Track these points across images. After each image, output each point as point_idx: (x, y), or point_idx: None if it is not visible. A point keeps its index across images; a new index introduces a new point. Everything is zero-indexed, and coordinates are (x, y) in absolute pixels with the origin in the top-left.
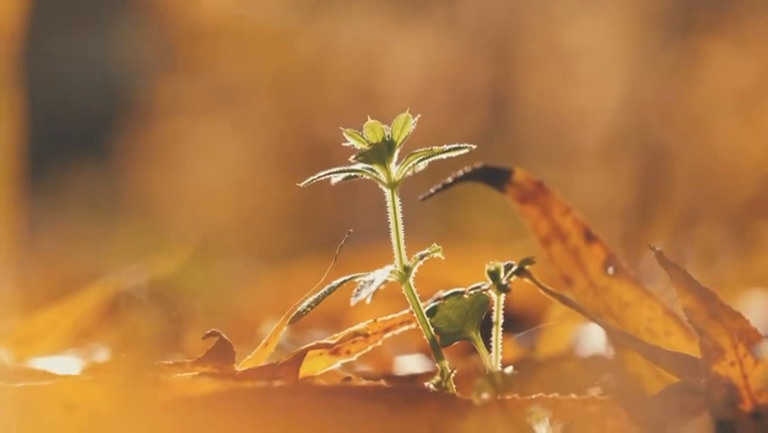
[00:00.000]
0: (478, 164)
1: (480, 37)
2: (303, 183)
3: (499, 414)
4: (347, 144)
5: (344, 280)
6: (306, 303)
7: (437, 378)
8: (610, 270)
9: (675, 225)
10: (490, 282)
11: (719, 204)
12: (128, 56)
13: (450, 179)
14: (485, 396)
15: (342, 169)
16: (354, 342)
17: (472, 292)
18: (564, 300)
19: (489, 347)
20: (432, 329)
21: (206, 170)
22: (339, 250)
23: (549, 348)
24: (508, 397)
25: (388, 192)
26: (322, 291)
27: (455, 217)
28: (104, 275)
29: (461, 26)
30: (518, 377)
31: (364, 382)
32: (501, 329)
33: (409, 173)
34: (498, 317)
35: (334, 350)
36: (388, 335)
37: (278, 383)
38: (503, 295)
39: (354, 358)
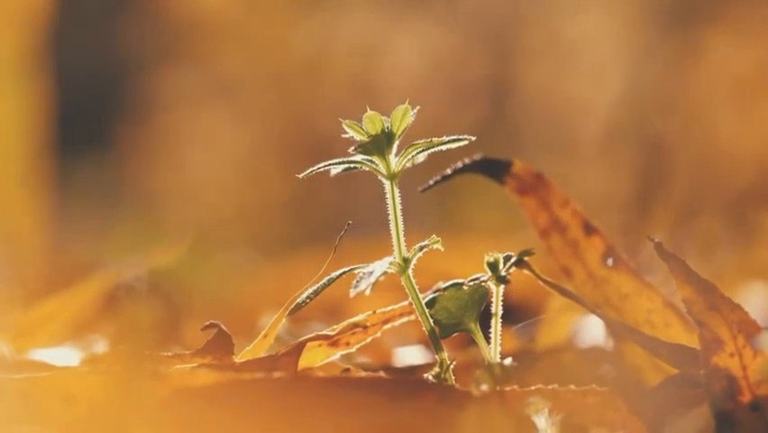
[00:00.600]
0: (477, 156)
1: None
2: (302, 174)
3: (498, 405)
4: (347, 136)
5: (344, 272)
6: (305, 294)
7: (436, 369)
8: (609, 261)
9: (674, 217)
10: (489, 274)
11: (719, 195)
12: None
13: (449, 171)
14: (484, 387)
15: (341, 160)
16: (353, 333)
17: (471, 284)
18: (563, 292)
19: (488, 339)
20: (431, 321)
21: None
22: (338, 241)
23: (548, 340)
24: (507, 388)
25: (387, 184)
26: (321, 283)
27: (454, 209)
28: (103, 267)
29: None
30: (517, 368)
31: (363, 374)
32: (500, 321)
33: (408, 165)
34: (497, 308)
35: (333, 341)
36: (387, 326)
37: (277, 375)
38: (502, 286)
39: (353, 349)
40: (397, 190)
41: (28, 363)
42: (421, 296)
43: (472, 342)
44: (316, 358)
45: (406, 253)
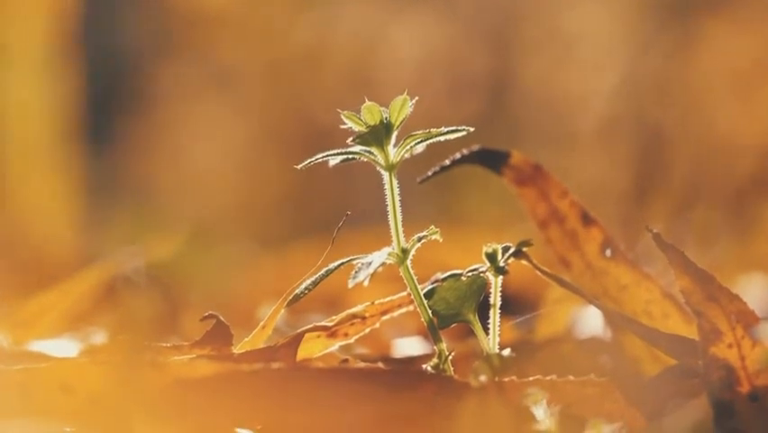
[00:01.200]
0: (475, 147)
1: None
2: (301, 165)
3: (497, 396)
4: (345, 127)
5: (342, 263)
6: (303, 286)
7: (435, 360)
8: (608, 252)
9: (673, 208)
10: (488, 265)
11: (717, 186)
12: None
13: (447, 162)
14: (483, 378)
15: (339, 151)
16: (352, 324)
17: (470, 275)
18: (562, 283)
19: (486, 330)
20: (429, 312)
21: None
22: (337, 232)
23: (547, 331)
24: (506, 379)
25: (385, 174)
26: (319, 274)
27: (453, 200)
28: (101, 258)
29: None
30: (516, 359)
31: (362, 365)
32: (499, 312)
33: (407, 156)
34: (495, 299)
35: (332, 332)
36: (385, 317)
37: (275, 366)
38: (501, 277)
39: (352, 341)
40: (395, 181)
41: (26, 355)
42: (419, 287)
43: (471, 333)
44: (315, 349)
45: (404, 244)
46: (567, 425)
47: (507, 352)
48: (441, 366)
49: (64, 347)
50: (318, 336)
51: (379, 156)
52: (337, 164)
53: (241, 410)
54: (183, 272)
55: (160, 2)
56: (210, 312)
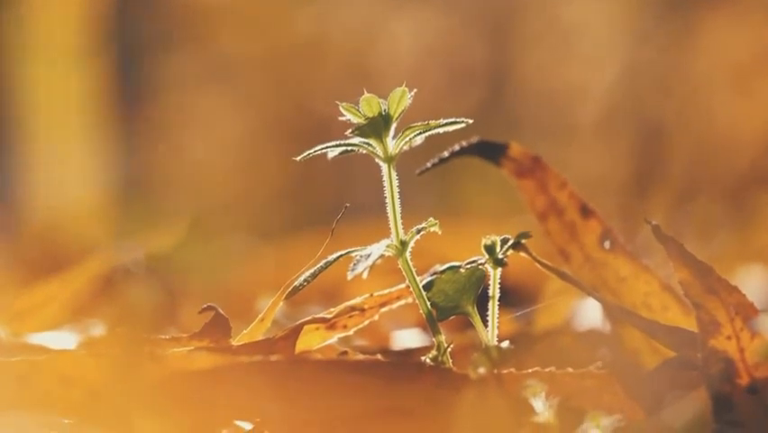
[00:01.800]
0: (474, 139)
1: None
2: (299, 157)
3: (496, 388)
4: (344, 119)
5: (341, 255)
6: (302, 278)
7: (434, 352)
8: (607, 244)
9: (672, 200)
10: (487, 257)
11: (716, 178)
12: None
13: (446, 154)
14: (482, 370)
15: (338, 143)
16: (351, 316)
17: (469, 267)
18: (561, 275)
19: (485, 322)
20: (428, 304)
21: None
22: (335, 224)
23: (546, 322)
24: (505, 371)
25: (384, 166)
26: (318, 266)
27: (452, 192)
28: (100, 250)
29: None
30: (515, 351)
31: (361, 357)
32: (498, 304)
33: (406, 147)
34: (494, 291)
35: (331, 325)
36: (384, 309)
37: (274, 358)
38: (499, 269)
39: (351, 333)
40: (394, 173)
41: (25, 347)
42: (418, 279)
43: (470, 325)
44: (314, 341)
45: (403, 236)
46: (566, 417)
47: (505, 344)
48: (440, 358)
49: (63, 339)
50: (317, 329)
51: (377, 148)
52: (336, 156)
53: (239, 403)
54: (182, 265)
55: None
56: (208, 304)
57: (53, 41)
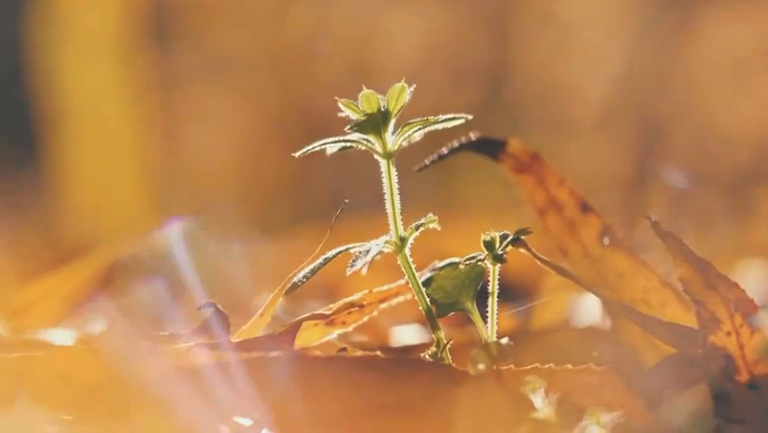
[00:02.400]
0: (473, 135)
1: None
2: (298, 153)
3: (495, 384)
4: (343, 115)
5: (340, 251)
6: (301, 274)
7: (433, 349)
8: (606, 240)
9: (671, 196)
10: (486, 253)
11: (716, 174)
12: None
13: (445, 150)
14: (481, 366)
15: (337, 139)
16: (350, 313)
17: (468, 263)
18: (560, 271)
19: (484, 318)
20: (427, 300)
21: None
22: (335, 220)
23: (545, 319)
24: (504, 367)
25: (383, 162)
26: (317, 262)
27: (451, 188)
28: (100, 245)
29: None
30: (514, 347)
31: (360, 353)
32: (497, 300)
33: (405, 144)
34: (493, 287)
35: (330, 321)
36: (383, 305)
37: (273, 354)
38: (499, 265)
39: (350, 329)
40: (393, 169)
41: (24, 342)
42: (417, 275)
43: (469, 321)
44: (313, 337)
45: (402, 232)
46: (565, 413)
47: (505, 340)
48: (439, 355)
49: (62, 335)
50: (316, 325)
51: (376, 144)
52: (335, 152)
53: (238, 399)
54: (180, 260)
55: None
56: (208, 300)
57: (90, 38)
